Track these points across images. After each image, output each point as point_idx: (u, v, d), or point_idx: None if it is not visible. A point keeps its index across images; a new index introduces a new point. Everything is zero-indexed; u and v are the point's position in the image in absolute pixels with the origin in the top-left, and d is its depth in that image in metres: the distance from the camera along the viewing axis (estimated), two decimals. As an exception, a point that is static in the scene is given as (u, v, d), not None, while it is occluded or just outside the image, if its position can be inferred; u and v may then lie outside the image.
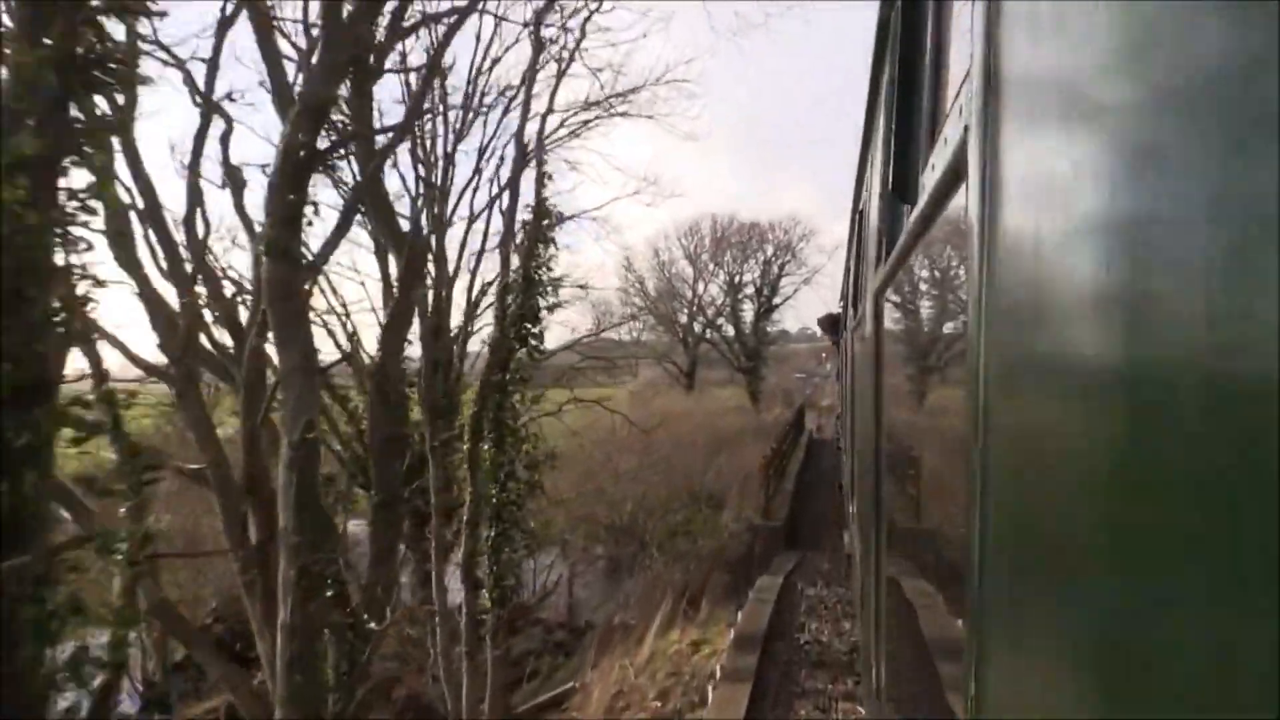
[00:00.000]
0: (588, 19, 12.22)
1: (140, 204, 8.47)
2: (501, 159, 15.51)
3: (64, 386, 4.28)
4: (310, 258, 7.83)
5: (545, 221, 10.65)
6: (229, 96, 10.16)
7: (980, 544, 0.77)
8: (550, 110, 12.34)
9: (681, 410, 29.34)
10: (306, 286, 7.63)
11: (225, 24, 9.62)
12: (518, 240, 10.79)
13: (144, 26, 9.59)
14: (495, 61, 15.64)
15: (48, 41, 3.70)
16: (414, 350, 13.34)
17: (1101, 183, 0.47)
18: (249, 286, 9.99)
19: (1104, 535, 0.47)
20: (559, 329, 19.35)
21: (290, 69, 8.89)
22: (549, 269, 10.63)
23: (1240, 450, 0.32)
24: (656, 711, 8.48)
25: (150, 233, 8.59)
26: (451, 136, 15.17)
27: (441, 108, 14.48)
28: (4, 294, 3.51)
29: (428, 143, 14.68)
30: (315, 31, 9.05)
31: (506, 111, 15.43)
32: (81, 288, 5.60)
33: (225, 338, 9.68)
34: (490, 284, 15.32)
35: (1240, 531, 0.31)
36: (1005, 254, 0.70)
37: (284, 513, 6.72)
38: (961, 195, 0.89)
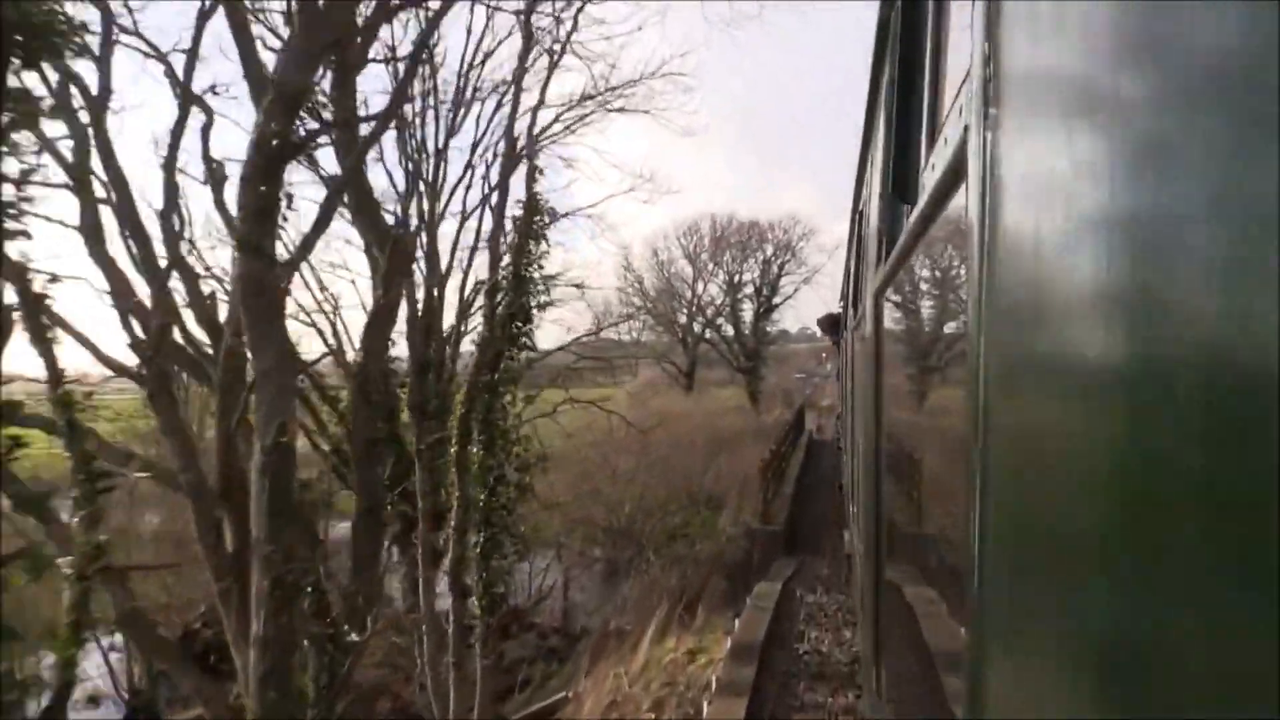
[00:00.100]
0: (580, 9, 11.97)
1: (113, 197, 8.19)
2: (495, 155, 15.29)
3: (18, 386, 3.99)
4: (290, 254, 7.56)
5: (536, 217, 10.35)
6: (212, 90, 9.98)
7: (980, 543, 0.77)
8: (542, 104, 12.10)
9: (680, 411, 29.22)
10: (283, 284, 7.33)
11: (205, 15, 9.47)
12: (508, 237, 10.50)
13: (125, 19, 9.36)
14: (487, 55, 15.30)
15: None
16: (405, 350, 13.09)
17: (1101, 182, 0.47)
18: (230, 285, 9.73)
19: (1104, 535, 0.47)
20: (556, 329, 19.12)
21: (271, 61, 8.64)
22: (540, 266, 10.37)
23: (1241, 449, 0.32)
24: (650, 724, 8.18)
25: (123, 227, 8.31)
26: (443, 132, 14.97)
27: (432, 101, 14.25)
28: None
29: (418, 137, 14.46)
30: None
31: (499, 107, 15.19)
32: (38, 283, 5.25)
33: (204, 337, 9.40)
34: (483, 283, 15.08)
35: (1241, 531, 0.32)
36: (1005, 254, 0.70)
37: (257, 520, 6.43)
38: (961, 195, 0.89)
